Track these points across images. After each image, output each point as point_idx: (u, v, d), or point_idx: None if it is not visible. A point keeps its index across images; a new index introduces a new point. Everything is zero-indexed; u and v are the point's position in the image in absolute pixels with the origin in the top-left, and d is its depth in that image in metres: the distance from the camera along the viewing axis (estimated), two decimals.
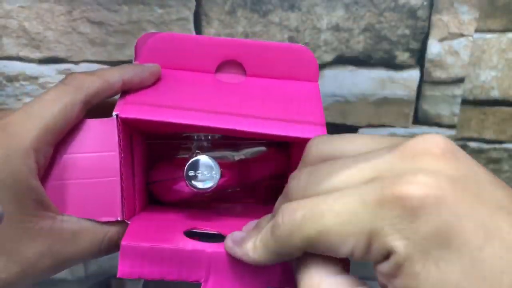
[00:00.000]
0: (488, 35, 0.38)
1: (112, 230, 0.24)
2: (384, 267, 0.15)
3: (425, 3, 0.37)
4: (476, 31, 0.37)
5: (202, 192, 0.24)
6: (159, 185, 0.28)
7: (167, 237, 0.22)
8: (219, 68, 0.27)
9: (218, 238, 0.23)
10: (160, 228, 0.24)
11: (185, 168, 0.24)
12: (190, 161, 0.24)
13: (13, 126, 0.21)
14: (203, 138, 0.28)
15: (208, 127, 0.23)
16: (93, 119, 0.24)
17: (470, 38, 0.38)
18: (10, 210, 0.20)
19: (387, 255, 0.15)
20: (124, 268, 0.21)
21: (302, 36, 0.37)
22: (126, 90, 0.25)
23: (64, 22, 0.36)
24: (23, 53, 0.37)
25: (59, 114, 0.22)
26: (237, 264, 0.21)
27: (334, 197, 0.16)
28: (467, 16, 0.37)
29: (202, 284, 0.21)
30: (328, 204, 0.16)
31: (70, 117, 0.22)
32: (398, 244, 0.14)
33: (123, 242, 0.21)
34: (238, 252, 0.20)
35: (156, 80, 0.26)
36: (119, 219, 0.23)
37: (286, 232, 0.17)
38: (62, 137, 0.23)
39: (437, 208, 0.14)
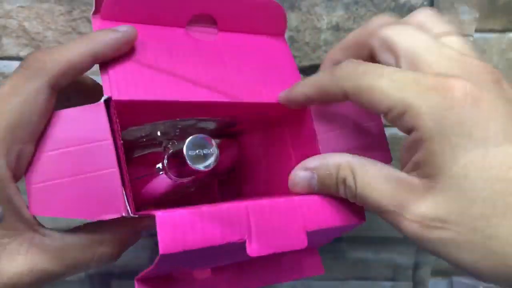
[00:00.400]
0: (488, 35, 0.38)
1: (102, 250, 0.21)
2: (409, 140, 0.19)
3: (425, 3, 0.37)
4: (476, 31, 0.37)
5: (185, 183, 0.23)
6: (136, 183, 0.24)
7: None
8: (191, 21, 0.24)
9: None
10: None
11: (185, 146, 0.22)
12: (190, 138, 0.22)
13: None
14: (172, 129, 0.25)
15: (211, 103, 0.22)
16: (74, 108, 0.20)
17: (470, 38, 0.38)
18: None
19: (411, 129, 0.18)
20: (165, 241, 0.18)
21: (302, 36, 0.37)
22: (101, 63, 0.21)
23: (64, 22, 0.36)
24: (23, 53, 0.37)
25: (23, 106, 0.19)
26: (277, 216, 0.20)
27: (395, 69, 0.19)
28: (467, 16, 0.37)
29: (246, 244, 0.20)
30: (388, 71, 0.19)
31: (38, 106, 0.19)
32: (426, 123, 0.18)
33: (158, 213, 0.18)
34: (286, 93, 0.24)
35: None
36: (124, 214, 0.20)
37: (344, 74, 0.20)
38: (38, 130, 0.20)
39: (472, 106, 0.17)
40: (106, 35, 0.21)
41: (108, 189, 0.20)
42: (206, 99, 0.22)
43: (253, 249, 0.20)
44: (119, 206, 0.20)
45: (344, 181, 0.21)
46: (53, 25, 0.36)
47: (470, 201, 0.17)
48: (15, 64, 0.37)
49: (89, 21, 0.36)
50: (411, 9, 0.37)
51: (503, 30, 0.38)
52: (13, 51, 0.37)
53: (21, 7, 0.36)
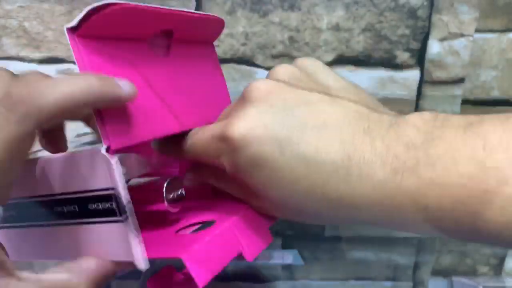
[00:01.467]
0: (488, 35, 0.38)
1: None
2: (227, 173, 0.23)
3: (425, 3, 0.37)
4: (476, 31, 0.37)
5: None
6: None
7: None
8: (154, 36, 0.25)
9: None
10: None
11: (165, 191, 0.24)
12: (168, 180, 0.24)
13: None
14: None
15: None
16: (77, 154, 0.20)
17: (470, 38, 0.38)
18: None
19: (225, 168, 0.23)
20: (199, 276, 0.21)
21: (302, 36, 0.37)
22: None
23: (64, 22, 0.36)
24: (23, 53, 0.37)
25: (5, 153, 0.17)
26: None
27: (201, 129, 0.24)
28: (467, 16, 0.37)
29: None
30: (194, 132, 0.25)
31: (21, 153, 0.18)
32: (227, 165, 0.23)
33: (184, 256, 0.21)
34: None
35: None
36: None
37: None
38: (17, 174, 0.19)
39: (249, 145, 0.21)
40: (108, 88, 0.19)
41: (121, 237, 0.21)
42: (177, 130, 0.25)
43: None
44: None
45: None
46: (53, 25, 0.36)
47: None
48: (15, 64, 0.37)
49: None
50: (410, 9, 0.37)
51: (503, 30, 0.38)
52: (13, 51, 0.37)
53: (21, 7, 0.36)
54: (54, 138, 0.25)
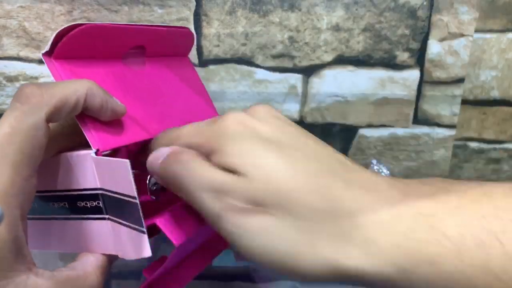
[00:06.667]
0: (488, 35, 0.38)
1: (89, 284, 0.22)
2: None
3: (425, 3, 0.37)
4: (476, 31, 0.37)
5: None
6: None
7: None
8: (127, 54, 0.26)
9: None
10: None
11: (148, 182, 0.24)
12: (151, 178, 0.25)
13: None
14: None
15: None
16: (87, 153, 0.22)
17: (470, 38, 0.38)
18: None
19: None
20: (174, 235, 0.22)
21: (302, 36, 0.37)
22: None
23: (64, 22, 0.36)
24: (23, 53, 0.37)
25: (25, 144, 0.19)
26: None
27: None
28: (467, 16, 0.37)
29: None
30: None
31: (38, 141, 0.20)
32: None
33: (157, 220, 0.22)
34: None
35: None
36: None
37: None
38: (38, 163, 0.20)
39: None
40: (102, 93, 0.22)
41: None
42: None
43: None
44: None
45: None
46: (53, 25, 0.36)
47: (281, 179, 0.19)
48: (15, 64, 0.37)
49: (89, 21, 0.36)
50: (410, 9, 0.37)
51: (503, 30, 0.38)
52: (13, 51, 0.37)
53: (21, 7, 0.36)
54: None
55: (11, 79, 0.38)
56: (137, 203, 0.21)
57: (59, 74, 0.22)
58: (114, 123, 0.23)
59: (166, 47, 0.29)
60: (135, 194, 0.21)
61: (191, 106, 0.30)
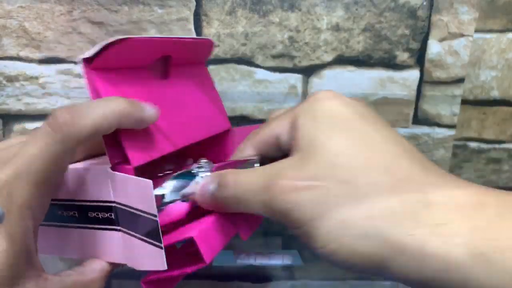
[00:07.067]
0: (488, 35, 0.38)
1: (94, 287, 0.23)
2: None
3: (425, 3, 0.37)
4: (476, 31, 0.37)
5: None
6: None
7: None
8: (153, 64, 0.27)
9: None
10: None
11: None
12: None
13: (6, 187, 0.19)
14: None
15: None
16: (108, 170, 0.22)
17: (470, 38, 0.38)
18: (2, 275, 0.19)
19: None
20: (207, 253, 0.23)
21: (302, 36, 0.37)
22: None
23: (64, 22, 0.36)
24: (23, 53, 0.37)
25: (49, 167, 0.20)
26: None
27: (275, 119, 0.24)
28: (467, 16, 0.37)
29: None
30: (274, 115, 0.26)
31: (63, 167, 0.21)
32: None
33: (193, 234, 0.22)
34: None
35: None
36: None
37: None
38: (58, 185, 0.22)
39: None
40: (136, 111, 0.22)
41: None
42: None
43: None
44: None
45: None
46: (53, 25, 0.36)
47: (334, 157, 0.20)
48: (15, 64, 0.37)
49: (89, 21, 0.36)
50: (410, 9, 0.37)
51: (503, 30, 0.38)
52: (13, 51, 0.37)
53: (21, 7, 0.36)
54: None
55: (11, 79, 0.38)
56: (157, 221, 0.21)
57: (93, 82, 0.22)
58: (142, 135, 0.24)
59: (189, 56, 0.30)
60: (155, 212, 0.21)
61: (208, 117, 0.30)
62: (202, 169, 0.25)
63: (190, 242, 0.22)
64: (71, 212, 0.25)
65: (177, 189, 0.25)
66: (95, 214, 0.24)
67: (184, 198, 0.25)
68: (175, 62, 0.28)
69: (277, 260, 0.43)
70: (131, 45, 0.23)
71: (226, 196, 0.22)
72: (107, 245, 0.24)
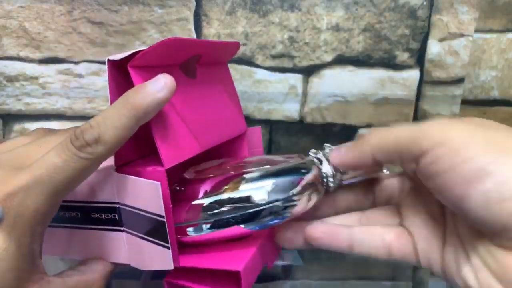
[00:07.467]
0: (488, 35, 0.38)
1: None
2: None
3: (425, 3, 0.37)
4: (476, 31, 0.37)
5: None
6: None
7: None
8: (183, 63, 0.27)
9: None
10: None
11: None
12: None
13: (22, 192, 0.20)
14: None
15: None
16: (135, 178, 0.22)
17: (470, 38, 0.38)
18: (8, 277, 0.19)
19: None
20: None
21: (302, 36, 0.37)
22: None
23: (64, 22, 0.36)
24: (23, 53, 0.37)
25: (72, 179, 0.21)
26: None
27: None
28: (467, 16, 0.37)
29: None
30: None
31: (83, 179, 0.21)
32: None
33: (240, 268, 0.23)
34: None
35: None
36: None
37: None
38: (75, 188, 0.22)
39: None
40: (146, 99, 0.21)
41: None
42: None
43: None
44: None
45: None
46: (53, 25, 0.36)
47: None
48: (15, 64, 0.37)
49: (89, 21, 0.36)
50: (410, 9, 0.37)
51: (503, 30, 0.38)
52: (13, 51, 0.37)
53: (21, 7, 0.36)
54: None
55: (11, 79, 0.38)
56: (164, 222, 0.21)
57: (134, 82, 0.22)
58: (172, 134, 0.23)
59: (216, 56, 0.30)
60: (163, 213, 0.21)
61: (230, 118, 0.30)
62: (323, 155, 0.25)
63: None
64: (73, 213, 0.25)
65: (281, 189, 0.23)
66: (98, 215, 0.24)
67: (293, 198, 0.23)
68: (202, 62, 0.28)
69: (277, 260, 0.43)
70: (173, 45, 0.23)
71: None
72: (111, 246, 0.24)
